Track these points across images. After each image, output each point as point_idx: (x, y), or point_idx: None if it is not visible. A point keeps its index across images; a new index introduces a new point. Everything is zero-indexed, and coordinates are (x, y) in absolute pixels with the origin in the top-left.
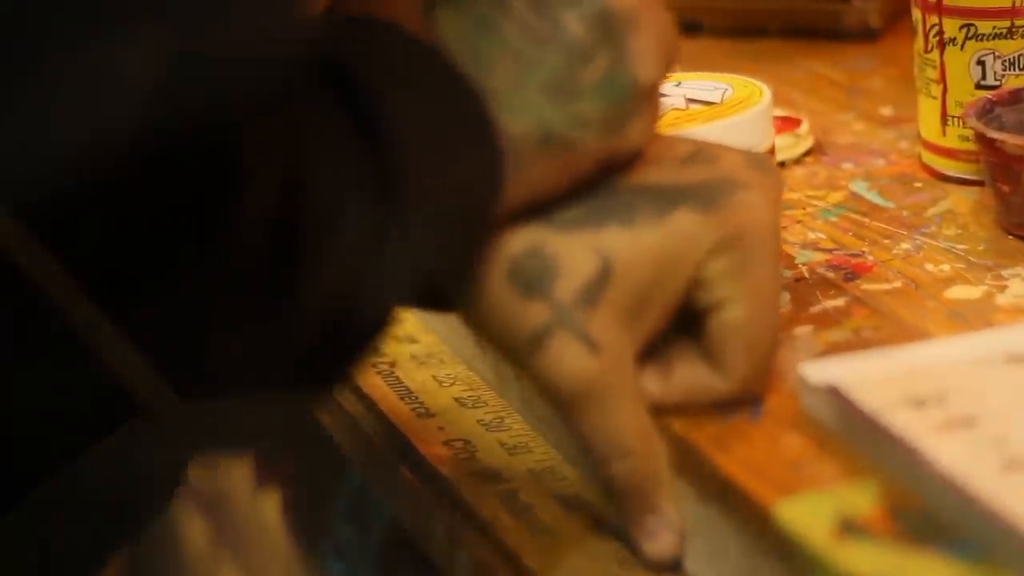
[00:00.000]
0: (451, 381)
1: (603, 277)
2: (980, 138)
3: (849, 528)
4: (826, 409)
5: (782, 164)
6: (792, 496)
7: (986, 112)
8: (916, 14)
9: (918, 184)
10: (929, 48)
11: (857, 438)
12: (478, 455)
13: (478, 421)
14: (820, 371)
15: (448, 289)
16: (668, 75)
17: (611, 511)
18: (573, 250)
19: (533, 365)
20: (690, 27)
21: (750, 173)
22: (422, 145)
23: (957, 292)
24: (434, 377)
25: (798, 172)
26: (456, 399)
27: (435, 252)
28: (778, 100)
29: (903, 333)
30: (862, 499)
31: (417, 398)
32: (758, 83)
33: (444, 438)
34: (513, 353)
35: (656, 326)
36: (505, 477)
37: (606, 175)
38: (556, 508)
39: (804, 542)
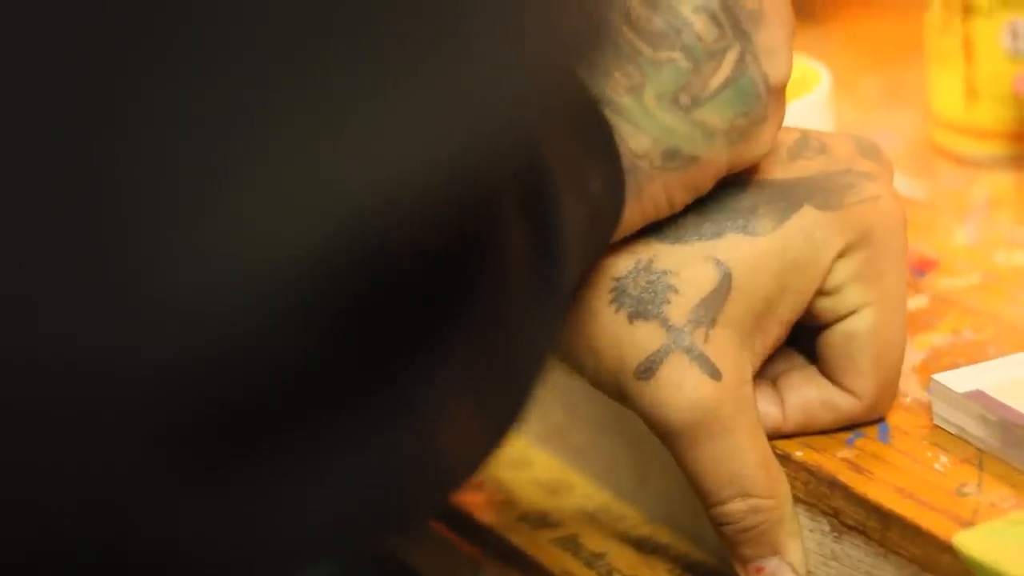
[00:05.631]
0: None
1: (722, 291)
2: None
3: None
4: (973, 421)
5: None
6: (972, 526)
7: None
8: None
9: (940, 168)
10: (950, 17)
11: (1017, 448)
12: (515, 496)
13: (500, 458)
14: (957, 379)
15: None
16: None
17: (709, 552)
18: (688, 263)
19: (643, 396)
20: None
21: (865, 161)
22: (566, 199)
23: None
24: None
25: None
26: None
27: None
28: None
29: (1010, 332)
30: None
31: None
32: (809, 62)
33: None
34: (619, 385)
35: (776, 343)
36: (554, 520)
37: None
38: (630, 554)
39: None
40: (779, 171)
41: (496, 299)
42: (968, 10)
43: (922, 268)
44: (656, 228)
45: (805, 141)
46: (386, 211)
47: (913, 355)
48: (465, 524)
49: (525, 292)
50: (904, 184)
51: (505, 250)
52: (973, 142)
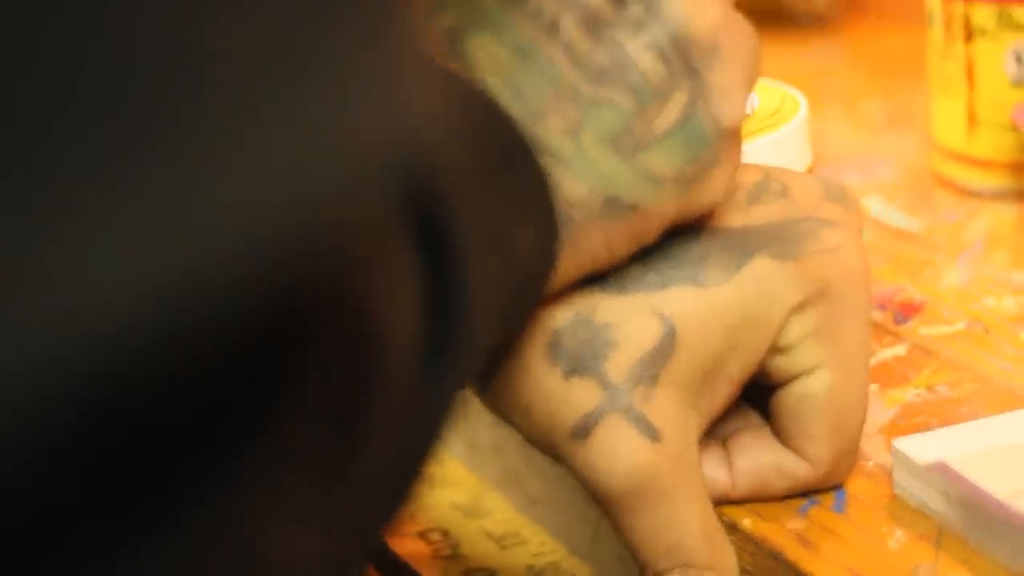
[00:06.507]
0: None
1: (666, 347)
2: None
3: None
4: (934, 494)
5: None
6: None
7: None
8: (933, 1)
9: (940, 199)
10: (951, 40)
11: (979, 529)
12: (462, 549)
13: (452, 505)
14: (921, 447)
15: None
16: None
17: None
18: (630, 316)
19: (577, 458)
20: None
21: (830, 207)
22: (479, 256)
23: None
24: None
25: None
26: None
27: (476, 367)
28: None
29: (988, 389)
30: None
31: None
32: (785, 87)
33: (417, 528)
34: (552, 445)
35: (725, 403)
36: None
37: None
38: None
39: None
40: (735, 217)
41: (363, 378)
42: (971, 31)
43: (905, 313)
44: (599, 277)
45: (766, 183)
46: (190, 293)
47: (881, 413)
48: None
49: (409, 366)
50: (900, 217)
51: (373, 322)
52: (974, 172)
